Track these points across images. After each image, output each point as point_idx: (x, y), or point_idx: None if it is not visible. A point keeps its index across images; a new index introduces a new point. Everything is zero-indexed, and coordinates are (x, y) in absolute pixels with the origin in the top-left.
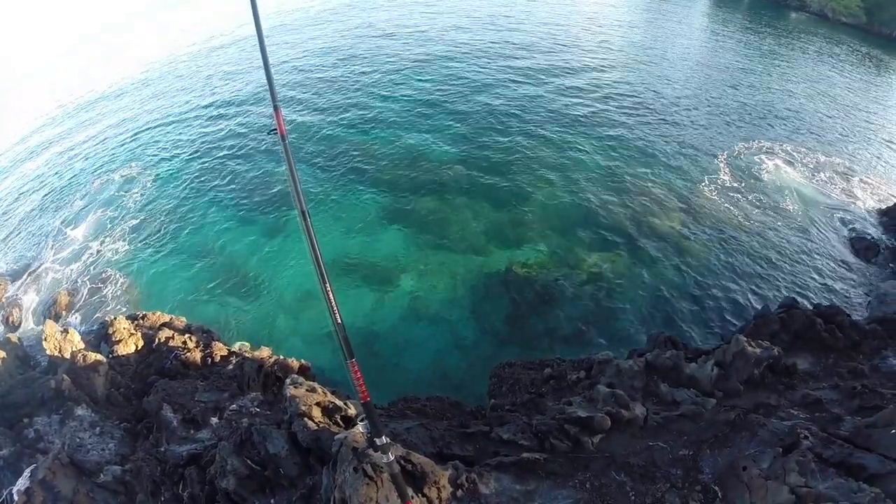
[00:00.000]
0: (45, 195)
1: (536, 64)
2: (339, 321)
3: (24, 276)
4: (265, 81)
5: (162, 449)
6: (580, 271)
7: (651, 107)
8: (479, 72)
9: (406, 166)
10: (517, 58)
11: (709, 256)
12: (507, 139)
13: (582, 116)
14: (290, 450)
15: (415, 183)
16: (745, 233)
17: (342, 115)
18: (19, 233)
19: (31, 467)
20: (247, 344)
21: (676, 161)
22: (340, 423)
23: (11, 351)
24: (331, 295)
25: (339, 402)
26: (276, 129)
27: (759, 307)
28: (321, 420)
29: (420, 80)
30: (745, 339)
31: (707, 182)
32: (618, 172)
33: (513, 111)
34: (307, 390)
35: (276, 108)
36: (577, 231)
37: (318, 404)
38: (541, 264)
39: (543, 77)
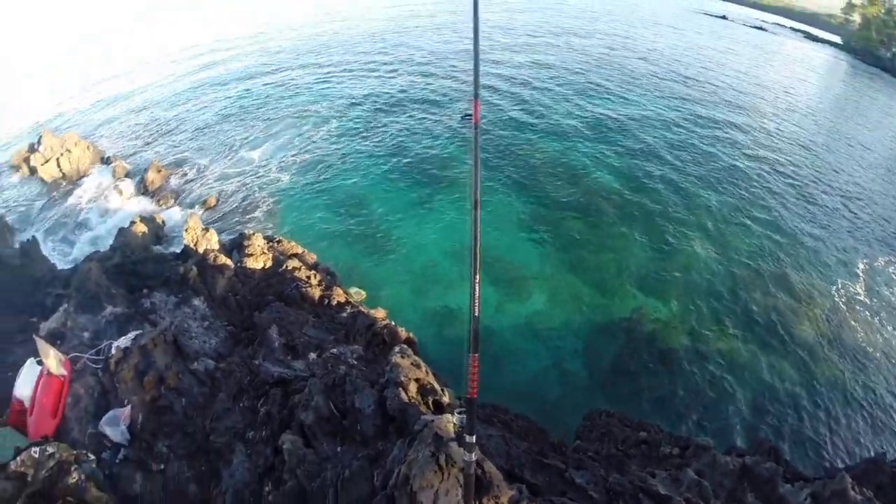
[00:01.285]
0: (246, 113)
1: (719, 115)
2: (477, 314)
3: (190, 172)
4: (471, 68)
5: (256, 362)
6: (703, 345)
7: (811, 191)
8: (658, 109)
9: (565, 182)
10: (699, 102)
11: (838, 378)
12: (668, 187)
13: (746, 184)
14: (374, 410)
15: (569, 200)
16: (880, 363)
17: (517, 114)
18: (206, 138)
19: (137, 332)
20: (363, 293)
21: (825, 258)
22: (431, 406)
23: (153, 228)
24: (478, 287)
25: (436, 386)
26: (471, 116)
27: (876, 450)
28: (414, 396)
29: (603, 102)
30: (851, 480)
31: (849, 291)
32: (764, 252)
33: (685, 161)
34: (412, 363)
35: (475, 97)
36: (712, 302)
37: (416, 380)
38: (667, 323)
39: (723, 131)
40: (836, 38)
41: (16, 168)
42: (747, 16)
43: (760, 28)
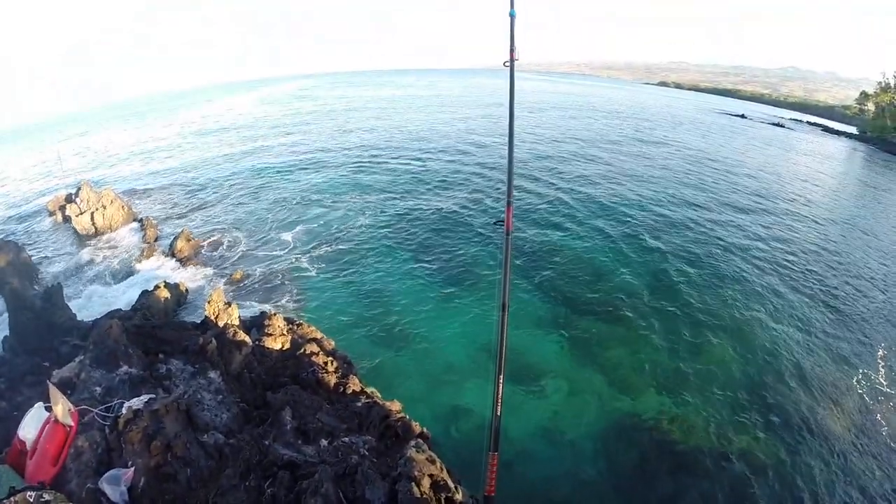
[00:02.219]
0: (282, 195)
1: (738, 212)
2: (499, 413)
3: (221, 246)
4: (505, 177)
5: (266, 442)
6: (726, 448)
7: (830, 282)
8: (678, 208)
9: (586, 281)
10: (718, 200)
11: (867, 476)
12: (688, 285)
13: (762, 277)
14: (385, 503)
15: (590, 299)
16: None
17: (541, 214)
18: (241, 214)
19: (150, 396)
20: (377, 392)
21: (844, 349)
22: (443, 503)
23: (176, 295)
24: (501, 387)
25: (450, 483)
26: (503, 222)
27: None
28: (427, 492)
29: (625, 203)
30: None
31: (870, 381)
32: (784, 346)
33: (704, 258)
34: (427, 459)
35: (508, 204)
36: (734, 400)
37: (430, 475)
38: (688, 425)
39: (741, 227)
40: (852, 129)
41: (51, 213)
42: (765, 113)
43: (778, 124)
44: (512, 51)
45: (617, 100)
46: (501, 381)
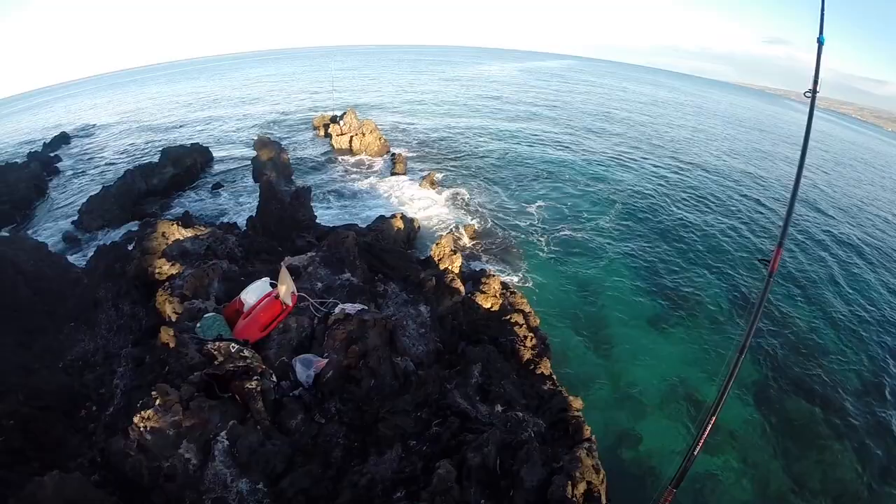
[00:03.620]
0: (535, 168)
1: None
2: (696, 453)
3: (462, 197)
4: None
5: (448, 386)
6: None
7: None
8: None
9: (831, 366)
10: None
11: None
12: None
13: None
14: (535, 488)
15: (820, 383)
16: None
17: (816, 270)
18: (490, 175)
19: (363, 307)
20: (563, 385)
21: None
22: None
23: (408, 228)
24: (709, 429)
25: (604, 497)
26: (768, 261)
27: None
28: (579, 497)
29: None
30: None
31: None
32: None
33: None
34: (593, 466)
35: (779, 245)
36: None
37: (588, 482)
38: None
39: None
40: None
41: (315, 128)
42: None
43: None
44: (815, 82)
45: None
46: (713, 423)
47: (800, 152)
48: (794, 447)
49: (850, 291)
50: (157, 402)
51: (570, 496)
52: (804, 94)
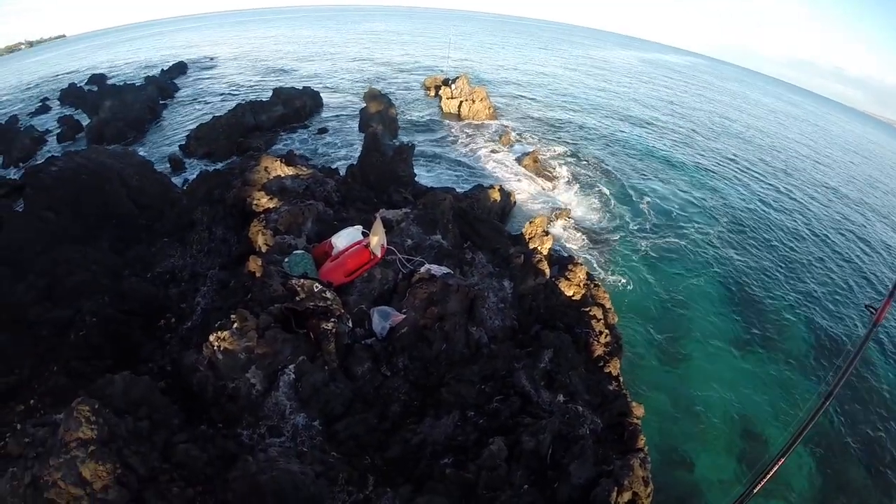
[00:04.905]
0: (647, 165)
1: None
2: (756, 490)
3: (562, 179)
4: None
5: (516, 365)
6: None
7: None
8: None
9: None
10: None
11: None
12: None
13: None
14: (581, 486)
15: None
16: None
17: None
18: (596, 159)
19: (449, 271)
20: (628, 389)
21: None
22: None
23: (503, 202)
24: (777, 467)
25: None
26: (875, 310)
27: None
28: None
29: None
30: None
31: None
32: None
33: None
34: (643, 478)
35: (890, 296)
36: None
37: (634, 493)
38: None
39: None
40: None
41: (426, 89)
42: None
43: None
44: None
45: None
46: (781, 462)
47: None
48: None
49: None
50: (235, 325)
51: (613, 502)
52: None
